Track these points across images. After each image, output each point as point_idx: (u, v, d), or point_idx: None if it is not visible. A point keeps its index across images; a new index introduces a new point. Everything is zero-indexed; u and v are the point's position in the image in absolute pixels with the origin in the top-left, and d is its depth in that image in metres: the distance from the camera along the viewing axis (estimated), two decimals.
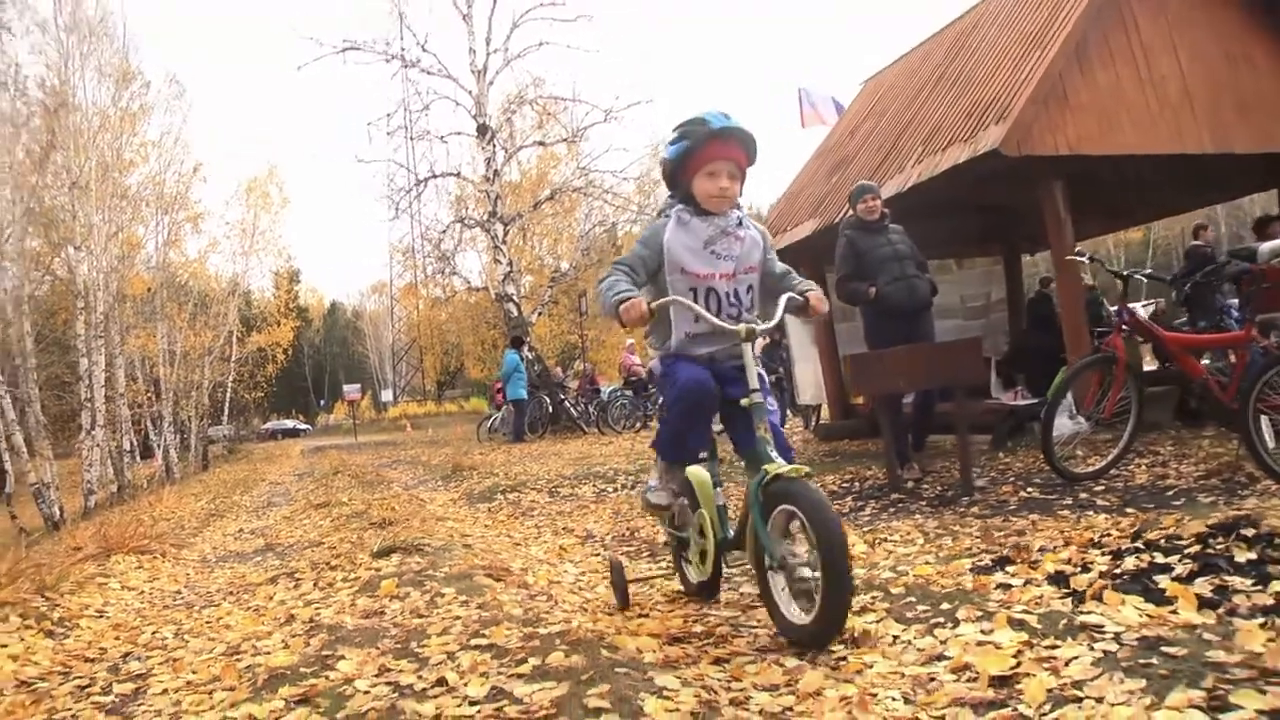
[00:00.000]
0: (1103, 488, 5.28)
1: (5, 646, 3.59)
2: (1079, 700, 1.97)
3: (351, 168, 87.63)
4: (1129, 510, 4.32)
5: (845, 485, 6.60)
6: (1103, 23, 7.89)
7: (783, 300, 3.07)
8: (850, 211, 7.27)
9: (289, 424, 54.07)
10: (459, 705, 2.26)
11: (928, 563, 3.50)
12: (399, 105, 19.29)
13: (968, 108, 8.34)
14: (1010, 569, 3.22)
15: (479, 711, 2.19)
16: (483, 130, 18.39)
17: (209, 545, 6.95)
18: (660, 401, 3.46)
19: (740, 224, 3.14)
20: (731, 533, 3.11)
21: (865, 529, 4.64)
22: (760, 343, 4.58)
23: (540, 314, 21.04)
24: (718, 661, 2.57)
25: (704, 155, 3.07)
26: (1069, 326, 7.74)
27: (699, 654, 2.66)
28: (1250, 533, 2.95)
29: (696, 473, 3.26)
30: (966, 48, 9.60)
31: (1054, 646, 2.33)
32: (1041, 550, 3.39)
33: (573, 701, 2.14)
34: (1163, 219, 17.98)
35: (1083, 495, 5.10)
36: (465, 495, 8.87)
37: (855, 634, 2.63)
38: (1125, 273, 5.94)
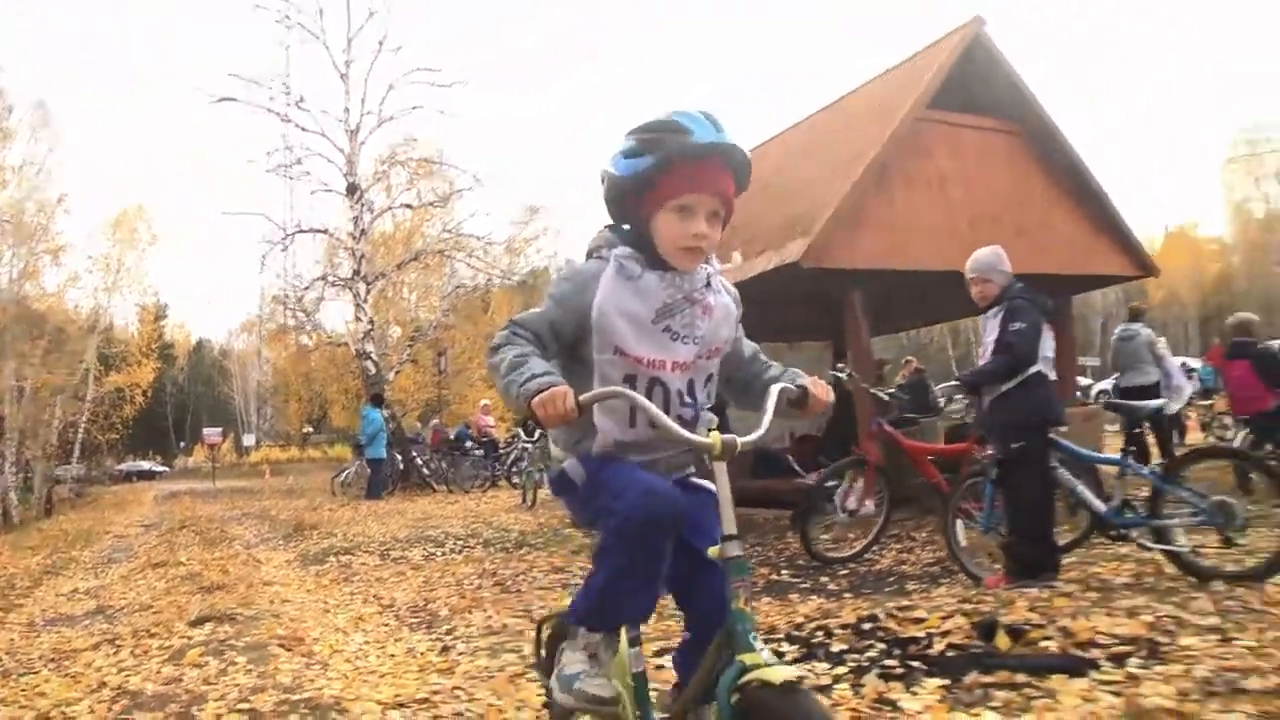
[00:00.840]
0: (847, 572, 6.29)
1: None
2: None
3: (224, 202, 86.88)
4: (846, 595, 5.31)
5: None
6: (904, 153, 9.10)
7: (774, 392, 2.12)
8: None
9: (145, 465, 52.54)
10: None
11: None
12: (279, 147, 19.84)
13: (783, 219, 9.46)
14: None
15: None
16: (352, 189, 19.11)
17: (39, 607, 7.43)
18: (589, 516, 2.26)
19: (709, 285, 2.23)
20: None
21: None
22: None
23: (398, 371, 21.69)
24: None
25: (676, 181, 2.09)
26: (861, 422, 8.78)
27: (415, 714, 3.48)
28: (852, 621, 3.93)
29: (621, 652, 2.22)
30: (792, 161, 10.78)
31: None
32: None
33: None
34: (964, 318, 19.64)
35: (823, 579, 6.09)
36: (300, 556, 9.46)
37: None
38: (877, 392, 7.10)
